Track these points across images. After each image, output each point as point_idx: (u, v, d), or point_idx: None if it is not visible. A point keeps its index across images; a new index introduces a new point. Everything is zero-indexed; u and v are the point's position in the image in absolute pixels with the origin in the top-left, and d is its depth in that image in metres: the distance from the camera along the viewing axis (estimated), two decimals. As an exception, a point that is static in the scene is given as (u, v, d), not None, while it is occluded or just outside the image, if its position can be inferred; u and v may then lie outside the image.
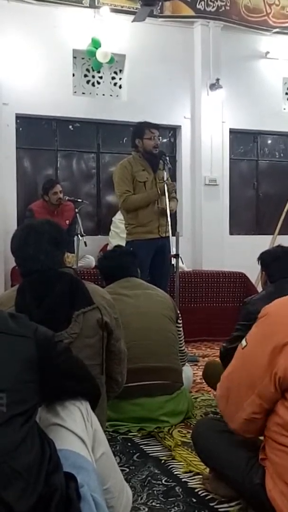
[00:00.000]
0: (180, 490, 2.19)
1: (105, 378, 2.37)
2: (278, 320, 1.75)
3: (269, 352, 1.69)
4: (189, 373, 3.54)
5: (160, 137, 4.88)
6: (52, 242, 2.22)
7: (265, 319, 1.80)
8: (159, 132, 4.86)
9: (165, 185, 4.58)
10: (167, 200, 4.54)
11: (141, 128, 4.84)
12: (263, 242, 6.36)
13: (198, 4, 7.27)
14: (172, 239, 4.58)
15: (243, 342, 1.85)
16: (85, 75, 7.21)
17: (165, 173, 4.65)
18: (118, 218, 6.71)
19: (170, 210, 4.65)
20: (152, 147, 4.75)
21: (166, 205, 4.53)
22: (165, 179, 4.62)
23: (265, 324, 1.79)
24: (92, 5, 6.81)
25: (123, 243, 4.87)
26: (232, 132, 7.74)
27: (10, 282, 6.23)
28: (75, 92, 7.08)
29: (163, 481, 2.27)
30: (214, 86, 7.25)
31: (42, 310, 2.07)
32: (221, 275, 6.08)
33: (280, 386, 1.68)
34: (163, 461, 2.50)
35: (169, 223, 4.50)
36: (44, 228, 2.25)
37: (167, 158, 4.71)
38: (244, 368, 1.81)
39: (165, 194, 4.55)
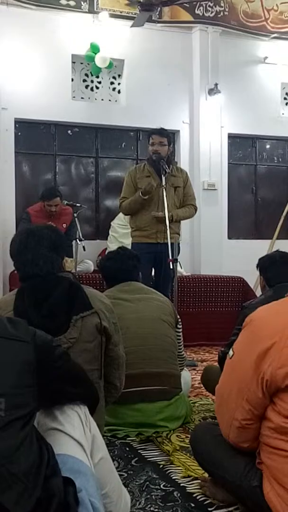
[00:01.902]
0: (179, 495, 2.19)
1: (104, 383, 2.37)
2: (261, 325, 1.76)
3: (254, 357, 1.71)
4: (188, 377, 3.54)
5: (166, 143, 4.81)
6: (52, 247, 2.22)
7: (249, 326, 1.82)
8: (163, 138, 4.82)
9: (163, 190, 4.59)
10: (165, 206, 4.54)
11: (148, 135, 4.93)
12: (261, 247, 6.37)
13: (197, 10, 7.29)
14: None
15: (230, 352, 1.87)
16: (84, 80, 7.23)
17: (163, 179, 4.65)
18: (117, 223, 6.72)
19: (173, 217, 4.66)
20: (152, 153, 4.78)
21: (165, 211, 4.53)
22: (162, 184, 4.63)
23: (249, 330, 1.81)
24: (91, 10, 6.84)
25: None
26: (231, 137, 7.76)
27: (9, 287, 6.23)
28: (74, 97, 7.09)
29: (161, 486, 2.27)
30: (213, 91, 7.27)
31: (41, 315, 2.07)
32: (219, 279, 6.08)
33: (268, 389, 1.70)
34: (161, 465, 2.50)
35: (168, 230, 4.47)
36: (44, 233, 2.25)
37: (165, 163, 4.71)
38: (233, 376, 1.82)
39: (164, 200, 4.56)
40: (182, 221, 4.99)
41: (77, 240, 5.49)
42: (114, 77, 7.33)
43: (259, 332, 1.75)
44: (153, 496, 2.17)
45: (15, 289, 2.25)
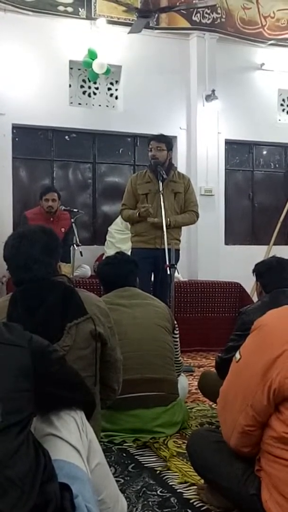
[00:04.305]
0: (176, 501, 2.18)
1: (102, 386, 2.36)
2: (271, 332, 1.75)
3: (262, 365, 1.69)
4: (185, 383, 3.53)
5: (164, 148, 4.80)
6: (45, 250, 2.17)
7: (258, 331, 1.80)
8: (161, 143, 4.81)
9: (161, 195, 4.60)
10: (163, 212, 4.54)
11: (147, 141, 4.95)
12: (258, 252, 6.38)
13: (194, 16, 7.32)
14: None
15: (237, 355, 1.85)
16: (82, 86, 7.25)
17: (160, 184, 4.66)
18: (114, 228, 6.73)
19: (172, 223, 4.66)
20: (151, 159, 4.81)
21: (162, 217, 4.53)
22: (160, 189, 4.64)
23: (258, 336, 1.79)
24: (89, 17, 6.86)
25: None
26: (228, 142, 7.78)
27: (6, 291, 6.22)
28: (72, 102, 7.11)
29: (158, 492, 2.26)
30: (210, 97, 7.30)
31: (34, 322, 2.02)
32: (216, 285, 6.09)
33: (275, 398, 1.68)
34: (158, 471, 2.49)
35: (165, 235, 4.47)
36: (37, 236, 2.19)
37: (162, 169, 4.72)
38: (239, 381, 1.81)
39: (161, 206, 4.56)
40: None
41: (74, 245, 5.49)
42: (111, 83, 7.36)
43: (269, 338, 1.73)
44: (150, 502, 2.16)
45: (10, 293, 2.22)
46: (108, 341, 2.30)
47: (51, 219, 5.95)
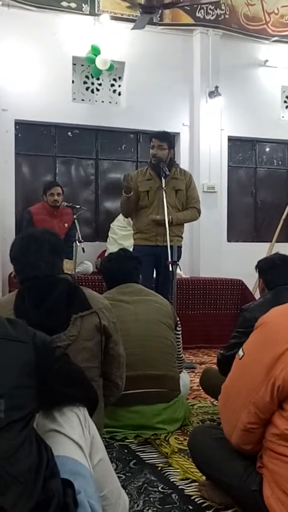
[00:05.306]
0: (177, 497, 2.19)
1: (105, 382, 2.41)
2: (275, 329, 1.75)
3: (266, 362, 1.70)
4: (186, 380, 3.54)
5: (166, 147, 4.78)
6: (53, 250, 2.27)
7: (262, 328, 1.80)
8: (163, 142, 4.79)
9: (164, 192, 4.59)
10: (165, 209, 4.54)
11: (149, 138, 4.93)
12: (260, 250, 6.36)
13: (198, 12, 7.30)
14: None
15: (240, 352, 1.85)
16: (85, 82, 7.24)
17: (163, 181, 4.65)
18: (116, 225, 6.74)
19: (173, 220, 4.66)
20: (152, 156, 4.80)
21: (165, 214, 4.52)
22: (163, 186, 4.63)
23: (262, 333, 1.79)
24: (92, 13, 6.85)
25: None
26: (231, 139, 7.77)
27: (8, 288, 6.22)
28: (74, 98, 7.10)
29: (159, 488, 2.27)
30: (213, 93, 7.28)
31: (41, 314, 2.11)
32: (218, 282, 6.08)
33: (279, 395, 1.68)
34: (159, 468, 2.50)
35: (167, 232, 4.46)
36: (45, 237, 2.30)
37: (165, 165, 4.71)
38: (242, 378, 1.81)
39: (163, 203, 4.56)
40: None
41: (77, 241, 5.50)
42: (114, 79, 7.34)
43: (272, 335, 1.74)
44: (151, 499, 2.17)
45: (15, 290, 2.29)
46: (112, 335, 2.37)
47: (55, 213, 5.96)
